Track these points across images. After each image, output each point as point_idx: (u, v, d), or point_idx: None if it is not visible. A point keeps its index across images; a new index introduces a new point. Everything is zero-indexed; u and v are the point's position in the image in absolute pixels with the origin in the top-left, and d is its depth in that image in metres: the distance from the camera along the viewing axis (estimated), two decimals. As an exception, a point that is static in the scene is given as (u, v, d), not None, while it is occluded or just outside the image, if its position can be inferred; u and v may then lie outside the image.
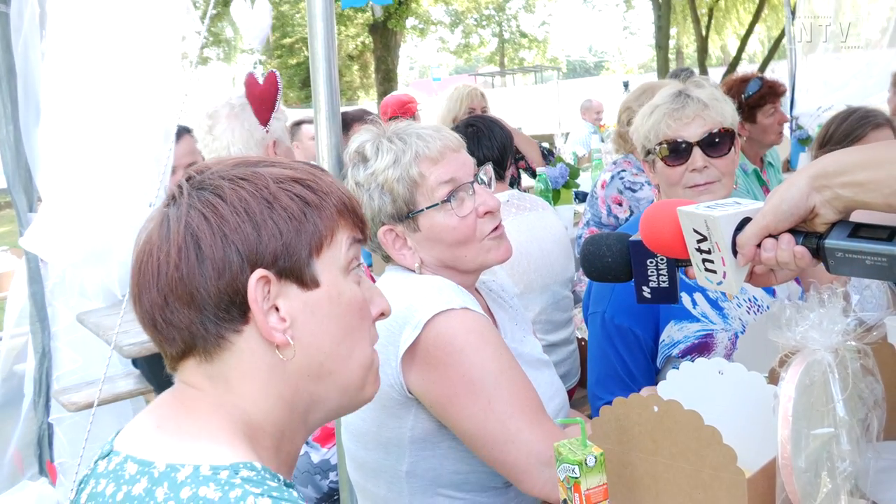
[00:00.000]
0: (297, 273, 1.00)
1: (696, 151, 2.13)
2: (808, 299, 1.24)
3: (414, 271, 1.74)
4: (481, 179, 1.74)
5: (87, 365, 3.52)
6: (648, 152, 2.22)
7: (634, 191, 3.52)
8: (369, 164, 1.70)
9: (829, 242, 1.14)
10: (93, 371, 3.45)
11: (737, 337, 2.14)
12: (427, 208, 1.67)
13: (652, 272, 1.36)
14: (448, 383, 1.56)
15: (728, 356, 2.11)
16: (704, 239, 1.22)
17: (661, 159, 2.17)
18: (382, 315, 1.12)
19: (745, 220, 1.21)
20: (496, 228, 1.74)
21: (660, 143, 2.16)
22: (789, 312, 1.22)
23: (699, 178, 2.14)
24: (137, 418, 1.03)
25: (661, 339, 2.16)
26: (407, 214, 1.69)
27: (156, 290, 0.98)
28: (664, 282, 1.35)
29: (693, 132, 2.14)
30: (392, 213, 1.69)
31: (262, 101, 2.64)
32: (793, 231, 1.17)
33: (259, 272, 0.97)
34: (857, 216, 1.16)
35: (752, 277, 1.25)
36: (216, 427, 0.98)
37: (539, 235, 2.91)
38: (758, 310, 2.23)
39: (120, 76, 2.93)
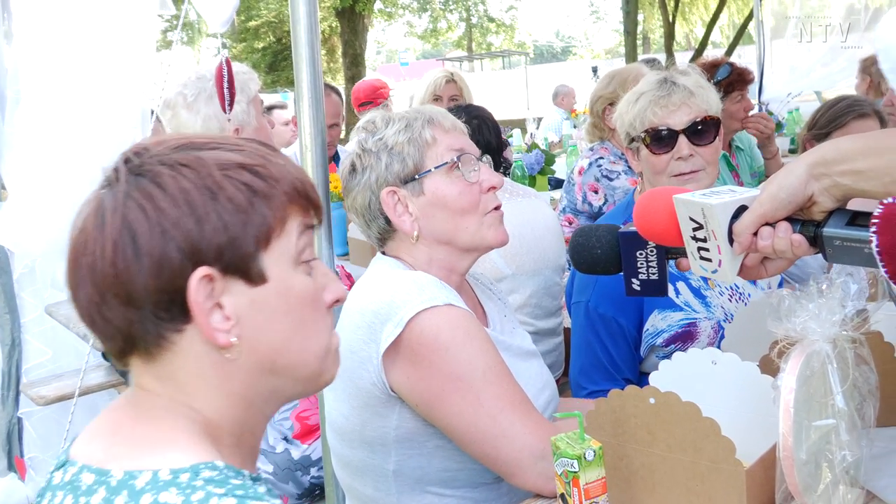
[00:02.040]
0: (243, 268, 0.94)
1: (682, 139, 2.12)
2: (806, 289, 1.23)
3: (403, 261, 1.71)
4: (484, 161, 1.75)
5: (56, 357, 3.44)
6: (633, 140, 2.20)
7: (611, 179, 3.50)
8: (378, 132, 1.71)
9: (828, 231, 1.13)
10: (62, 363, 3.37)
11: (720, 325, 2.15)
12: (436, 168, 1.66)
13: (641, 264, 1.34)
14: (434, 381, 1.53)
15: (711, 344, 2.12)
16: (700, 227, 1.21)
17: (647, 147, 2.15)
18: (338, 302, 1.05)
19: (742, 208, 1.20)
20: (497, 208, 1.73)
21: (645, 131, 2.15)
22: (788, 302, 1.21)
23: (685, 167, 2.13)
24: (92, 425, 0.98)
25: (644, 329, 2.16)
26: (413, 176, 1.67)
27: (91, 286, 0.92)
28: (653, 274, 1.34)
29: (679, 120, 2.12)
30: (399, 173, 1.67)
31: (223, 88, 2.55)
32: (790, 219, 1.16)
33: (201, 270, 0.91)
34: (854, 204, 1.16)
35: (742, 270, 1.23)
36: (173, 428, 0.93)
37: (531, 220, 2.91)
38: (739, 298, 2.23)
39: (89, 61, 2.84)
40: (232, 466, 0.91)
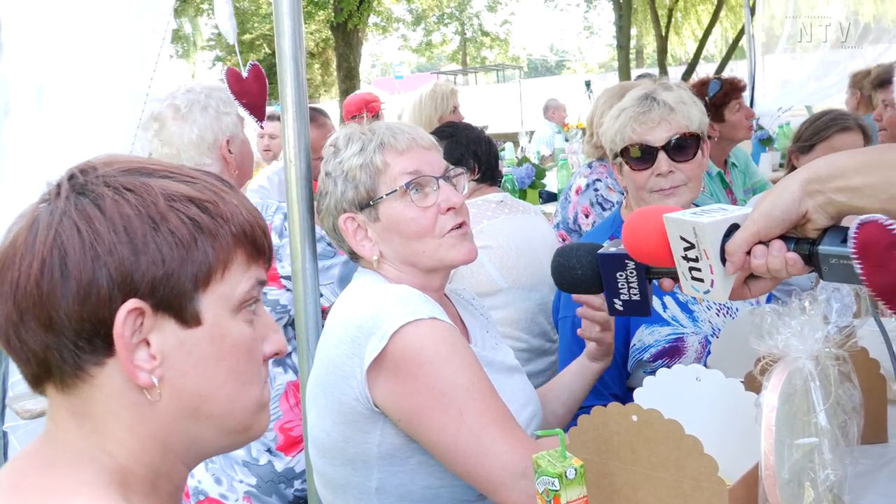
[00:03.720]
0: (176, 307, 0.88)
1: (662, 156, 2.11)
2: (789, 306, 1.22)
3: (382, 274, 1.70)
4: (448, 177, 1.71)
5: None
6: (616, 155, 2.20)
7: (604, 209, 3.48)
8: (339, 154, 1.70)
9: (824, 249, 1.11)
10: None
11: (707, 340, 2.14)
12: (387, 195, 1.64)
13: (623, 285, 1.32)
14: (417, 396, 1.51)
15: (699, 359, 2.11)
16: (692, 246, 1.18)
17: (627, 163, 2.16)
18: (276, 354, 1.00)
19: (734, 227, 1.17)
20: (460, 227, 1.69)
21: (625, 147, 2.15)
22: (770, 319, 1.20)
23: (664, 183, 2.12)
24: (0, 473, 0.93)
25: (631, 344, 2.15)
26: (367, 202, 1.66)
27: (12, 303, 0.86)
28: (635, 294, 1.32)
29: (658, 136, 2.12)
30: (353, 199, 1.67)
31: (256, 95, 2.52)
32: (784, 237, 1.14)
33: (131, 303, 0.86)
34: (849, 222, 1.14)
35: None
36: (75, 480, 0.87)
37: (530, 236, 2.91)
38: (727, 313, 2.23)
39: (81, 73, 2.83)
40: None
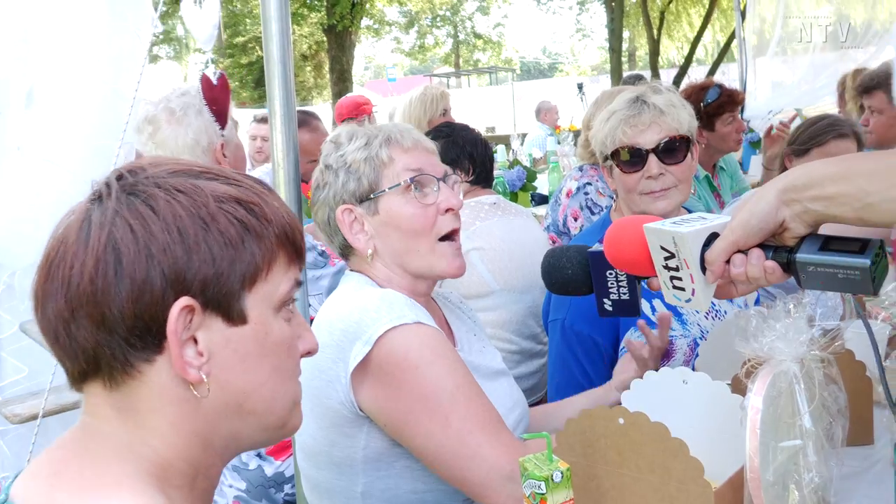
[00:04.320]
0: (224, 306, 0.91)
1: (652, 158, 2.11)
2: (773, 309, 1.23)
3: (370, 277, 1.70)
4: (447, 180, 1.72)
5: (32, 375, 3.40)
6: (606, 158, 2.21)
7: (593, 213, 3.48)
8: (341, 147, 1.71)
9: (801, 256, 1.12)
10: (39, 381, 3.33)
11: (696, 343, 2.15)
12: (389, 188, 1.66)
13: (612, 284, 1.33)
14: (402, 401, 1.51)
15: (688, 362, 2.11)
16: (672, 256, 1.20)
17: (617, 166, 2.16)
18: (309, 353, 1.04)
19: (713, 236, 1.19)
20: (453, 238, 1.71)
21: (615, 150, 2.15)
22: (755, 322, 1.21)
23: (655, 185, 2.13)
24: (35, 462, 0.93)
25: (621, 346, 2.15)
26: (368, 195, 1.67)
27: (63, 300, 0.88)
28: (625, 294, 1.33)
29: (648, 139, 2.12)
30: (354, 191, 1.67)
31: (219, 103, 2.52)
32: (762, 246, 1.16)
33: (184, 300, 0.88)
34: (826, 229, 1.15)
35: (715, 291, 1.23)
36: (119, 472, 0.89)
37: (523, 239, 2.91)
38: (716, 315, 2.23)
39: (75, 74, 2.81)
40: None
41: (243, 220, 0.92)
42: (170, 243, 0.88)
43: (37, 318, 0.93)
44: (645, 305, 2.16)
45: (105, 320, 0.88)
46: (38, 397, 3.11)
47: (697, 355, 2.10)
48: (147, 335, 0.89)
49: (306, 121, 3.81)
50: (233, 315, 0.92)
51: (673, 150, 2.13)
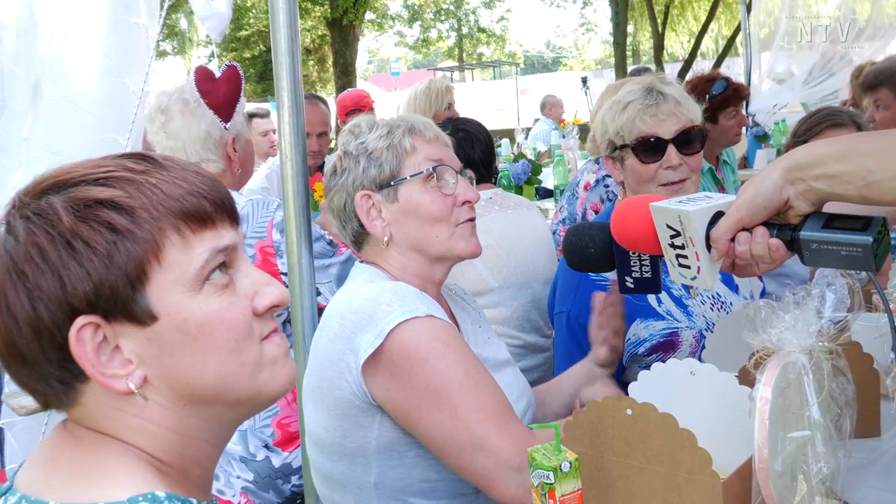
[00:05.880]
0: (124, 311, 0.88)
1: (671, 149, 2.11)
2: (782, 300, 1.23)
3: (382, 268, 1.71)
4: (464, 174, 1.75)
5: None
6: (616, 148, 2.19)
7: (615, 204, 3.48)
8: (362, 135, 1.72)
9: (805, 234, 1.14)
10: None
11: (702, 334, 2.15)
12: (411, 177, 1.67)
13: (635, 263, 1.35)
14: (413, 393, 1.52)
15: (694, 353, 2.11)
16: (678, 234, 1.22)
17: (635, 156, 2.14)
18: (276, 306, 0.97)
19: (718, 214, 1.21)
20: (471, 220, 1.73)
21: (636, 140, 2.13)
22: (764, 313, 1.21)
23: (673, 176, 2.12)
24: (35, 450, 0.95)
25: (626, 338, 2.15)
26: (389, 182, 1.68)
27: None
28: (647, 272, 1.35)
29: (668, 129, 2.11)
30: (374, 177, 1.69)
31: (224, 96, 2.51)
32: (766, 224, 1.17)
33: (79, 321, 0.86)
34: (830, 207, 1.17)
35: (734, 269, 1.24)
36: (109, 458, 0.89)
37: (521, 234, 2.89)
38: (721, 307, 2.23)
39: (77, 67, 2.82)
40: (177, 496, 0.87)
41: (107, 221, 0.87)
42: (39, 275, 0.86)
43: None
44: (651, 298, 2.16)
45: (26, 361, 0.88)
46: (45, 389, 3.12)
47: (704, 347, 2.11)
48: (66, 363, 0.87)
49: (305, 96, 3.83)
50: (138, 316, 0.88)
51: (690, 140, 2.13)
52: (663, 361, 2.08)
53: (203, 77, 2.51)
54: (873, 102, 3.67)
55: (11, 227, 0.89)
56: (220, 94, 2.50)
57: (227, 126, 2.47)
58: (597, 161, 3.61)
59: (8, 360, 0.90)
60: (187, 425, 0.94)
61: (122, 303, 0.88)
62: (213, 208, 0.93)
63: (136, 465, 0.90)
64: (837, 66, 6.70)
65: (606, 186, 3.51)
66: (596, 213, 3.50)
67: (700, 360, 2.13)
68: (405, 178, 1.68)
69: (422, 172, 1.68)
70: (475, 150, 2.94)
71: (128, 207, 0.88)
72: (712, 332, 2.14)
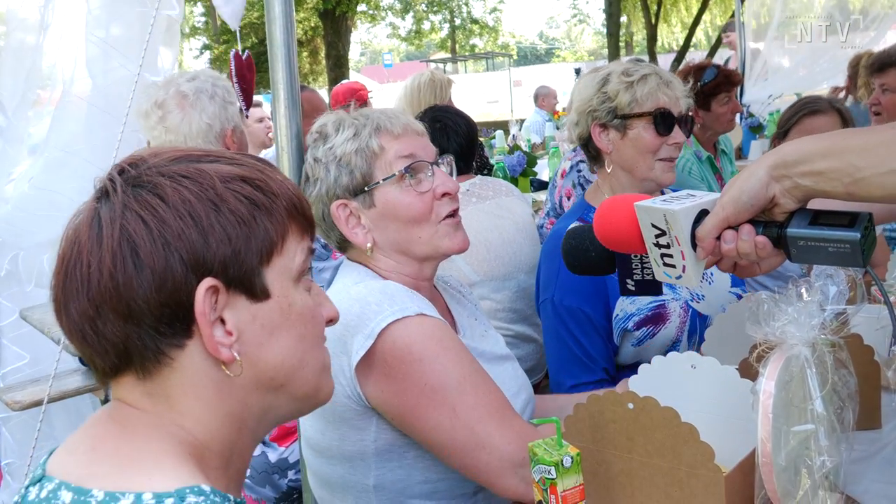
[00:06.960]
0: (246, 283, 0.92)
1: (677, 127, 2.18)
2: (785, 293, 1.22)
3: (370, 268, 1.68)
4: (440, 163, 1.69)
5: (33, 362, 3.39)
6: (619, 117, 2.17)
7: (585, 189, 3.46)
8: (329, 140, 1.66)
9: (791, 231, 1.14)
10: (40, 368, 3.32)
11: (688, 304, 2.16)
12: (384, 180, 1.62)
13: (636, 265, 1.34)
14: (409, 394, 1.49)
15: (683, 324, 2.12)
16: (663, 233, 1.21)
17: (653, 125, 2.15)
18: (331, 321, 1.05)
19: (703, 213, 1.20)
20: (454, 215, 1.68)
21: (656, 109, 2.15)
22: (767, 306, 1.20)
23: (674, 153, 2.19)
24: (71, 439, 0.94)
25: (614, 314, 2.14)
26: (363, 188, 1.63)
27: (86, 298, 0.89)
28: (648, 274, 1.33)
29: (679, 107, 2.19)
30: (347, 185, 1.63)
31: (250, 84, 2.50)
32: (752, 221, 1.17)
33: (208, 281, 0.89)
34: (815, 204, 1.16)
35: (736, 270, 1.24)
36: (158, 449, 0.89)
37: (500, 224, 2.85)
38: (704, 277, 2.23)
39: (87, 59, 2.79)
40: (218, 491, 0.87)
41: (251, 197, 0.93)
42: (183, 228, 0.89)
43: (60, 322, 0.93)
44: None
45: (132, 312, 0.88)
46: (38, 384, 3.10)
47: (694, 316, 2.12)
48: (175, 321, 0.89)
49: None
50: (256, 291, 0.93)
51: (686, 123, 2.22)
52: (654, 335, 2.09)
53: (245, 65, 2.49)
54: (880, 86, 3.65)
55: (147, 181, 0.91)
56: (247, 80, 2.49)
57: (248, 114, 2.46)
58: (574, 149, 3.60)
59: (102, 313, 0.88)
60: (249, 414, 0.96)
61: (247, 274, 0.92)
62: (311, 216, 1.02)
63: (185, 457, 0.90)
64: (831, 57, 6.69)
65: (579, 171, 3.50)
66: (568, 198, 3.49)
67: (692, 337, 2.14)
68: (378, 183, 1.62)
69: (395, 174, 1.62)
70: (451, 142, 2.89)
71: (266, 190, 0.95)
72: (698, 301, 2.15)
